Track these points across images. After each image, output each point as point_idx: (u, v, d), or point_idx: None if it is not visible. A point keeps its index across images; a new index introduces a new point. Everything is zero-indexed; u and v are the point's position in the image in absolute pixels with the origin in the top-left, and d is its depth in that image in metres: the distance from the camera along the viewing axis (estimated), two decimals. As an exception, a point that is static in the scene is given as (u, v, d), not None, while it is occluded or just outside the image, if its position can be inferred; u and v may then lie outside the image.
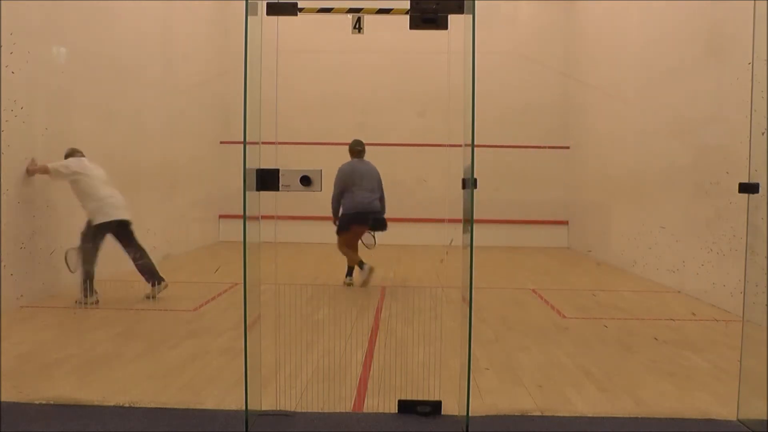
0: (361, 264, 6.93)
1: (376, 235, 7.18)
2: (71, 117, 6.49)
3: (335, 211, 7.06)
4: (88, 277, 5.74)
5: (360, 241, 7.10)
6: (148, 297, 5.89)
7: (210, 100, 10.76)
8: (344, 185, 6.94)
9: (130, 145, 7.83)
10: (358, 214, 6.93)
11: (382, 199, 7.16)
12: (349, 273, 7.02)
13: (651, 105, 7.70)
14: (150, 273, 5.99)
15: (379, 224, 7.10)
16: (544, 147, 11.27)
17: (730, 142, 5.66)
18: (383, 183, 7.20)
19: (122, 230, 5.97)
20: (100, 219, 5.79)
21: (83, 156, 5.97)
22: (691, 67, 6.64)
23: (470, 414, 2.89)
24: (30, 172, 5.67)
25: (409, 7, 2.92)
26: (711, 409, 3.30)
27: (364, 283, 6.81)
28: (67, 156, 5.91)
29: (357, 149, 7.16)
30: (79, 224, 5.99)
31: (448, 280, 5.91)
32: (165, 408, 3.20)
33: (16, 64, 5.40)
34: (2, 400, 3.22)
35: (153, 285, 5.94)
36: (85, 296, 5.67)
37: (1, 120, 5.19)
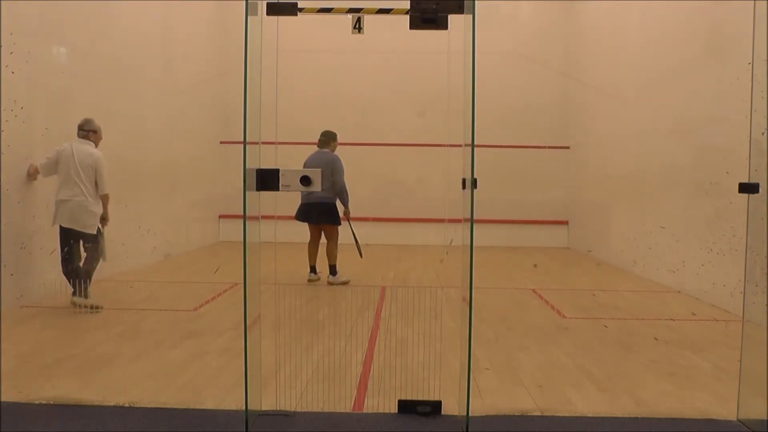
0: (312, 269, 7.04)
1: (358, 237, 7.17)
2: (71, 117, 6.47)
3: None
4: (73, 276, 5.51)
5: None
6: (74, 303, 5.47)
7: (210, 100, 10.76)
8: None
9: (130, 145, 7.82)
10: (300, 208, 7.03)
11: (334, 188, 6.88)
12: (312, 270, 7.06)
13: (651, 105, 7.70)
14: (82, 280, 5.49)
15: (321, 215, 6.94)
16: (544, 147, 11.28)
17: (730, 142, 5.66)
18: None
19: (79, 237, 5.59)
20: (54, 220, 5.58)
21: (84, 136, 5.64)
22: (691, 67, 6.65)
23: (470, 414, 2.89)
24: (30, 177, 5.65)
25: (409, 7, 2.92)
26: (711, 409, 3.30)
27: (309, 281, 6.99)
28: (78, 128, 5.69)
29: (319, 139, 7.14)
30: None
31: (448, 280, 5.92)
32: (165, 408, 3.20)
33: (16, 64, 5.40)
34: (2, 400, 3.21)
35: (74, 294, 5.46)
36: (73, 294, 5.44)
37: (1, 120, 5.19)
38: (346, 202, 7.09)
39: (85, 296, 5.47)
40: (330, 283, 6.87)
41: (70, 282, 5.54)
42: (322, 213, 6.93)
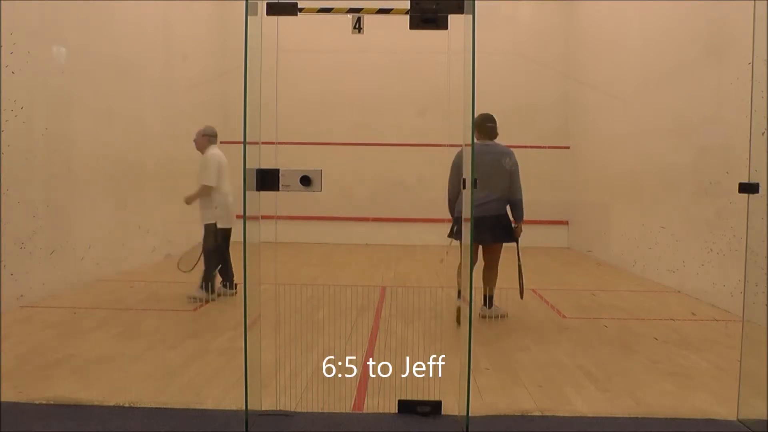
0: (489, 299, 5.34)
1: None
2: (71, 117, 6.49)
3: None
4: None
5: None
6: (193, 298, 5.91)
7: (210, 100, 10.76)
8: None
9: (130, 145, 7.83)
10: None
11: (513, 194, 5.27)
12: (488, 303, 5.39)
13: (651, 105, 7.70)
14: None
15: (500, 232, 5.23)
16: (544, 147, 11.28)
17: (730, 142, 5.67)
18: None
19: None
20: (223, 223, 6.07)
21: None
22: (691, 67, 6.64)
23: (470, 414, 2.89)
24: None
25: (409, 7, 2.92)
26: (711, 409, 3.30)
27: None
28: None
29: (488, 126, 5.26)
30: (82, 225, 6.00)
31: (448, 280, 5.91)
32: (165, 408, 3.20)
33: (16, 64, 5.40)
34: (2, 400, 3.21)
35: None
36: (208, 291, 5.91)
37: (1, 120, 5.19)
38: (522, 213, 5.32)
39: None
40: (485, 317, 5.31)
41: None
42: (501, 229, 5.21)
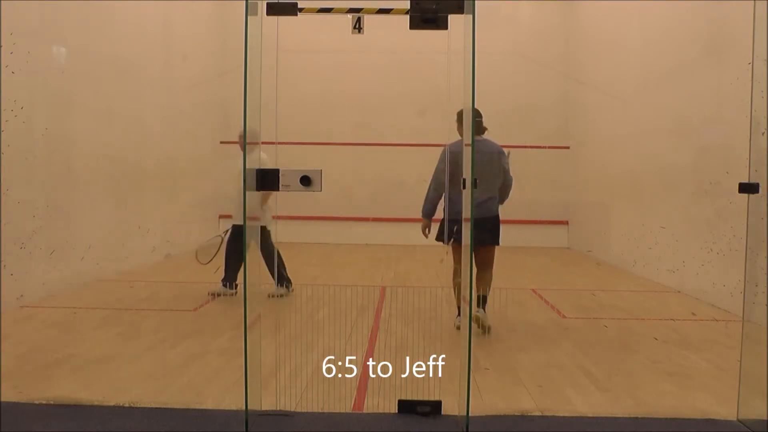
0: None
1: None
2: (71, 117, 6.49)
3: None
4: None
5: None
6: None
7: (210, 100, 10.77)
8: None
9: (130, 145, 7.83)
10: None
11: (506, 191, 5.26)
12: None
13: (651, 105, 7.70)
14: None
15: (495, 234, 5.00)
16: (544, 147, 11.28)
17: (730, 142, 5.67)
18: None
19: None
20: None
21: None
22: (691, 67, 6.64)
23: (470, 414, 2.89)
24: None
25: (409, 7, 2.93)
26: (711, 409, 3.30)
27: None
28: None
29: (477, 121, 4.79)
30: (82, 225, 5.99)
31: (448, 280, 5.91)
32: (165, 408, 3.20)
33: (16, 64, 5.40)
34: (2, 400, 3.21)
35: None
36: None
37: (1, 120, 5.19)
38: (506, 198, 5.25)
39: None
40: (480, 321, 4.77)
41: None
42: (495, 230, 5.00)
